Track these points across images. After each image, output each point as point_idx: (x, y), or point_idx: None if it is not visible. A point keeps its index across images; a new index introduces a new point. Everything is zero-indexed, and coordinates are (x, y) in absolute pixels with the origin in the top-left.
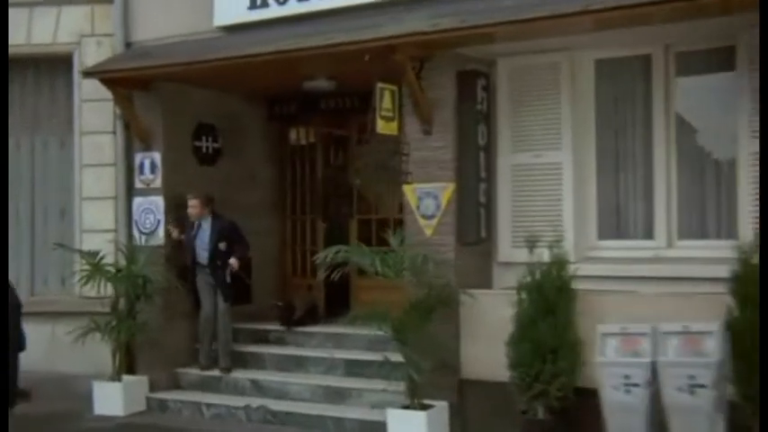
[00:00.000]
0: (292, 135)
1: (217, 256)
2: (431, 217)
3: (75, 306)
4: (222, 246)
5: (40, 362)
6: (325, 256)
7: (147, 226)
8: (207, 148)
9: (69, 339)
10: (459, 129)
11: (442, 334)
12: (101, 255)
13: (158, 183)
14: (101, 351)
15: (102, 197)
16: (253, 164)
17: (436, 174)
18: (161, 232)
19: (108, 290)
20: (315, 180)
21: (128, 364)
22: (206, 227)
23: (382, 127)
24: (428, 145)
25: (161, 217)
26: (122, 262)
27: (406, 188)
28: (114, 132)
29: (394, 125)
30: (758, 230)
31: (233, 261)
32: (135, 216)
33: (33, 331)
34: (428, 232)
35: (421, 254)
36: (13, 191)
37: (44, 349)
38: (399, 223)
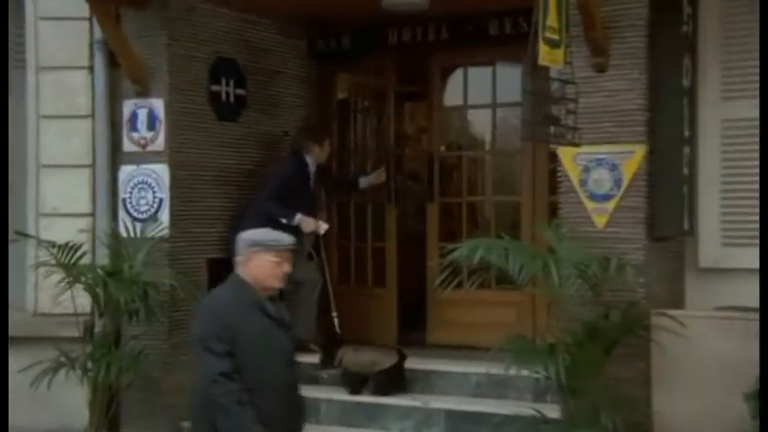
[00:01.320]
0: (342, 82)
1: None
2: (605, 198)
3: (31, 328)
4: None
5: None
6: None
7: (143, 208)
8: (228, 95)
9: (24, 380)
10: (652, 62)
11: (625, 378)
12: (80, 249)
13: (159, 144)
14: (71, 396)
15: (72, 165)
16: (287, 121)
17: (614, 132)
18: (164, 217)
19: (81, 304)
20: (381, 145)
21: (112, 416)
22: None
23: (545, 55)
24: (601, 87)
25: (164, 195)
26: (102, 261)
27: (563, 154)
28: (90, 68)
29: (560, 53)
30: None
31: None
32: (122, 193)
33: None
34: (599, 221)
35: (599, 256)
36: None
37: None
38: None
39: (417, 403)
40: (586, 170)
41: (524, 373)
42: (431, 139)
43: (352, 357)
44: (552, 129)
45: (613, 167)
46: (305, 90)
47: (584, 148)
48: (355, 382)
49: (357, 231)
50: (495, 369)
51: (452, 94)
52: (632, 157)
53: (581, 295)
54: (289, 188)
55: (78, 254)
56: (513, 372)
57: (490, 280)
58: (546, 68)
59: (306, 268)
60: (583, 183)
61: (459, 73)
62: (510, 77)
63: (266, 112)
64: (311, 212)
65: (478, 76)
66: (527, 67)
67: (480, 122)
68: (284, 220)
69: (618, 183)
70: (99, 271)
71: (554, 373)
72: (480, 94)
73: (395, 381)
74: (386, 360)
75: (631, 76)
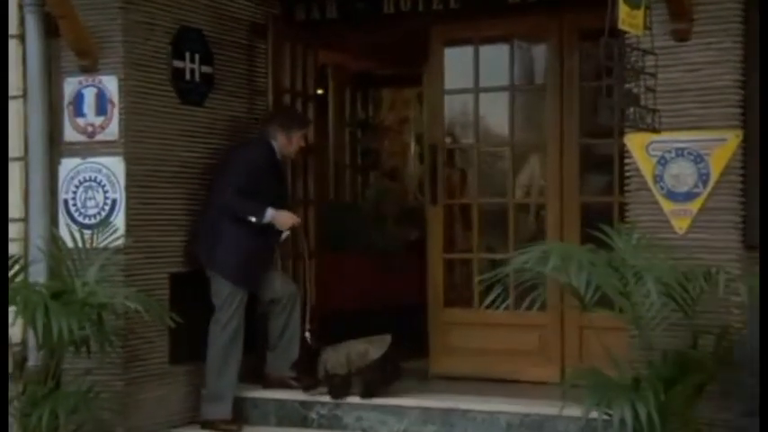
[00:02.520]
0: (325, 59)
1: None
2: (687, 197)
3: None
4: None
5: None
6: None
7: (91, 212)
8: (193, 72)
9: None
10: (748, 27)
11: (721, 422)
12: (17, 262)
13: (112, 132)
14: None
15: None
16: (260, 106)
17: (699, 115)
18: (118, 222)
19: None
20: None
21: None
22: None
23: (625, 17)
24: (682, 59)
25: (117, 195)
26: (38, 276)
27: (633, 143)
28: (21, 37)
29: (640, 16)
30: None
31: None
32: (64, 193)
33: None
34: (680, 226)
35: (686, 269)
36: None
37: None
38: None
39: None
40: (662, 162)
41: (567, 413)
42: (434, 129)
43: (336, 357)
44: (631, 110)
45: (698, 159)
46: (282, 69)
47: (659, 136)
48: (338, 386)
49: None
50: (533, 408)
51: (459, 75)
52: (723, 147)
53: (664, 318)
54: (257, 180)
55: (16, 268)
56: (553, 412)
57: (507, 297)
58: (620, 35)
59: (282, 280)
60: (658, 178)
61: (467, 50)
62: (531, 56)
63: (234, 95)
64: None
65: (492, 54)
66: (605, 36)
67: (495, 109)
68: (253, 219)
69: (704, 178)
70: (41, 290)
71: (644, 416)
72: (494, 76)
73: (388, 376)
74: (376, 350)
75: (721, 46)
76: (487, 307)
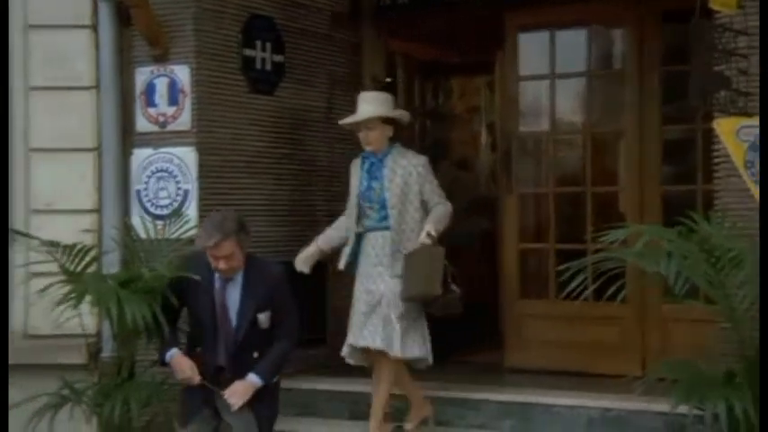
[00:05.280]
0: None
1: (246, 344)
2: None
3: (22, 354)
4: (264, 319)
5: None
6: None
7: (163, 202)
8: (263, 61)
9: (15, 418)
10: None
11: None
12: (90, 251)
13: (184, 122)
14: None
15: (71, 149)
16: (329, 93)
17: None
18: (190, 213)
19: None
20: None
21: None
22: (236, 280)
23: None
24: None
25: (190, 186)
26: (111, 267)
27: (722, 128)
28: (94, 27)
29: None
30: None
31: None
32: (137, 184)
33: None
34: None
35: None
36: None
37: None
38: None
39: None
40: (754, 148)
41: (654, 408)
42: (506, 117)
43: None
44: (722, 93)
45: None
46: (351, 58)
47: (750, 120)
48: None
49: None
50: (615, 402)
51: (533, 61)
52: None
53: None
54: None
55: (89, 257)
56: (636, 407)
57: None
58: (711, 15)
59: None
60: (749, 164)
61: (542, 36)
62: (609, 40)
63: (304, 83)
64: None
65: (568, 39)
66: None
67: (570, 96)
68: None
69: None
70: (110, 281)
71: (740, 412)
72: (570, 62)
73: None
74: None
75: None
76: (566, 298)
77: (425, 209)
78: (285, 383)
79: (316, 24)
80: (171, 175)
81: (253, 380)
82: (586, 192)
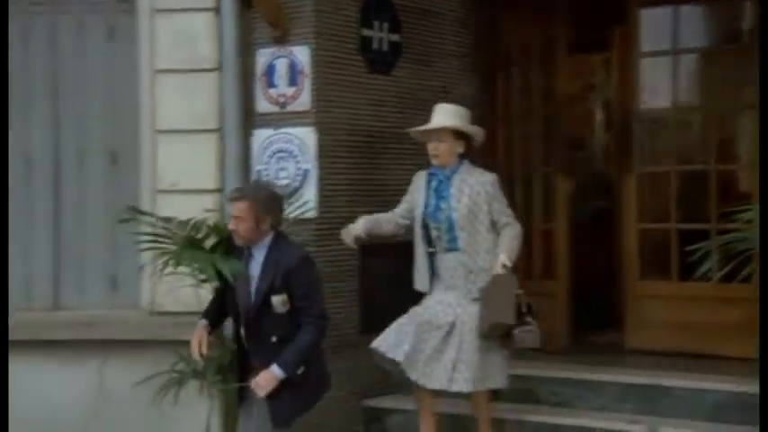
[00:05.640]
0: (509, 24)
1: (262, 326)
2: None
3: (148, 330)
4: (278, 302)
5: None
6: None
7: (283, 182)
8: (381, 41)
9: (137, 396)
10: None
11: None
12: (203, 224)
13: (303, 102)
14: (197, 414)
15: (195, 130)
16: (444, 74)
17: None
18: (309, 193)
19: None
20: (550, 104)
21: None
22: (258, 258)
23: None
24: None
25: (309, 165)
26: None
27: None
28: (217, 10)
29: None
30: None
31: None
32: (258, 164)
33: (59, 377)
34: None
35: None
36: (17, 119)
37: (83, 412)
38: None
39: (638, 428)
40: None
41: None
42: (625, 95)
43: None
44: None
45: None
46: (465, 38)
47: None
48: None
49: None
50: (743, 386)
51: (653, 37)
52: None
53: None
54: None
55: (203, 232)
56: None
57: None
58: None
59: None
60: None
61: (665, 11)
62: (735, 14)
63: (421, 63)
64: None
65: (691, 14)
66: None
67: (691, 72)
68: None
69: None
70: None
71: None
72: (693, 37)
73: None
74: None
75: None
76: (693, 279)
77: (496, 228)
78: None
79: (431, 3)
80: (291, 155)
81: (275, 371)
82: (710, 170)
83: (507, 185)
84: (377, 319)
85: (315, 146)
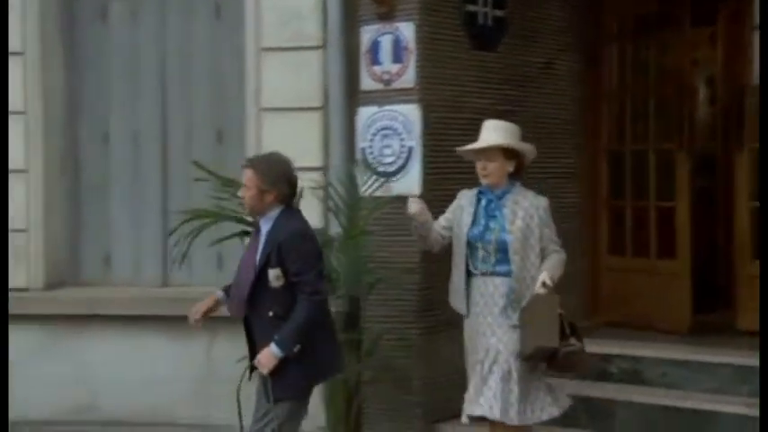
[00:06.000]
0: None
1: (260, 300)
2: None
3: None
4: (273, 276)
5: (185, 406)
6: None
7: (388, 160)
8: (485, 16)
9: (241, 369)
10: None
11: None
12: None
13: (408, 79)
14: None
15: (299, 108)
16: (548, 50)
17: None
18: (414, 170)
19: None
20: (658, 79)
21: (355, 413)
22: (263, 232)
23: None
24: None
25: (413, 143)
26: (336, 225)
27: None
28: None
29: None
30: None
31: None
32: (362, 141)
33: (168, 353)
34: None
35: None
36: (127, 98)
37: (191, 385)
38: None
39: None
40: None
41: None
42: (735, 70)
43: None
44: None
45: None
46: (571, 11)
47: None
48: None
49: (636, 187)
50: None
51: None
52: None
53: None
54: None
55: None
56: None
57: None
58: None
59: None
60: None
61: None
62: None
63: (526, 40)
64: None
65: None
66: None
67: None
68: None
69: None
70: (332, 235)
71: None
72: None
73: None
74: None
75: None
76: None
77: (542, 255)
78: None
79: None
80: (395, 133)
81: (272, 349)
82: None
83: (615, 162)
84: None
85: (420, 123)
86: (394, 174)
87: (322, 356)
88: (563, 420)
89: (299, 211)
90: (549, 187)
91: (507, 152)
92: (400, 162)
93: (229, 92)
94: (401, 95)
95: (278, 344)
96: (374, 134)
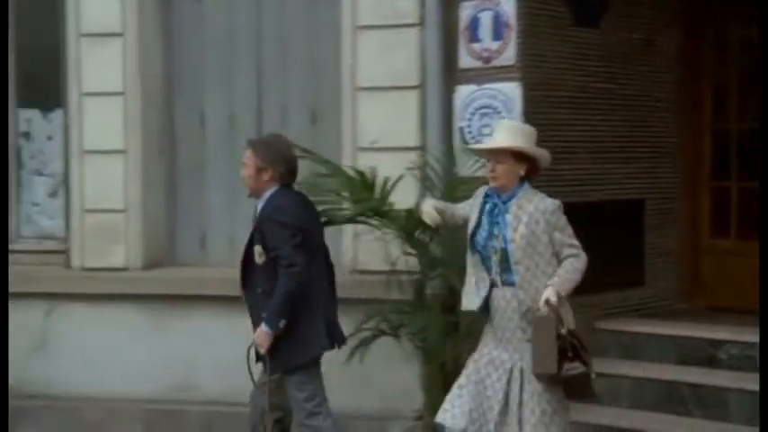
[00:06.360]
0: None
1: (249, 277)
2: None
3: (348, 289)
4: (256, 253)
5: None
6: None
7: (486, 139)
8: None
9: (334, 354)
10: None
11: None
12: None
13: (508, 57)
14: (399, 372)
15: (395, 87)
16: (649, 26)
17: None
18: None
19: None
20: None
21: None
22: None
23: None
24: None
25: None
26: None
27: None
28: None
29: None
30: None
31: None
32: (460, 120)
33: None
34: None
35: None
36: (222, 77)
37: None
38: None
39: None
40: None
41: None
42: None
43: None
44: None
45: None
46: None
47: None
48: None
49: (741, 167)
50: None
51: None
52: None
53: None
54: None
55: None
56: None
57: None
58: None
59: None
60: None
61: None
62: None
63: (627, 14)
64: None
65: None
66: None
67: None
68: None
69: None
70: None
71: None
72: None
73: None
74: None
75: None
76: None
77: (558, 261)
78: (608, 325)
79: None
80: (495, 111)
81: (263, 328)
82: None
83: (718, 140)
84: (585, 283)
85: (520, 102)
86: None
87: (306, 335)
88: (673, 408)
89: (294, 192)
90: (648, 167)
91: (518, 154)
92: None
93: (324, 72)
94: (501, 73)
95: (266, 322)
96: (472, 113)
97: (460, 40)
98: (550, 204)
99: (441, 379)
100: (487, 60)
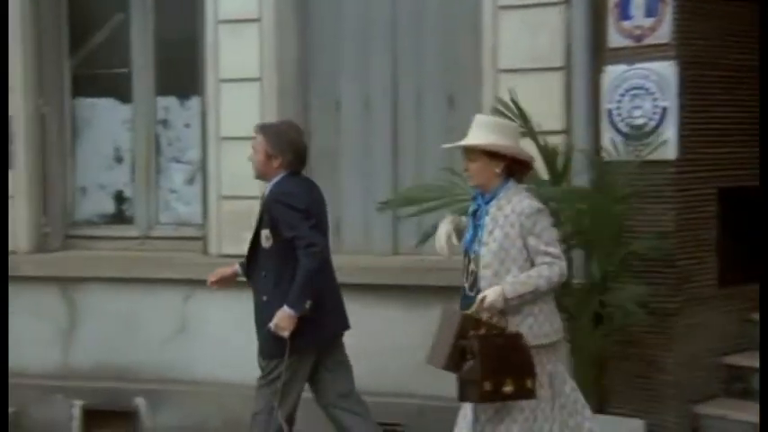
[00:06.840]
0: None
1: (256, 260)
2: None
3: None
4: (264, 237)
5: (420, 376)
6: None
7: (638, 122)
8: None
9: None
10: None
11: None
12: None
13: (663, 34)
14: None
15: (538, 68)
16: None
17: None
18: (668, 133)
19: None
20: None
21: (599, 389)
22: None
23: None
24: None
25: (668, 103)
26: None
27: None
28: None
29: None
30: None
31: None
32: (608, 102)
33: (402, 322)
34: None
35: None
36: (351, 65)
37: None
38: None
39: None
40: None
41: None
42: None
43: None
44: None
45: None
46: None
47: None
48: None
49: None
50: None
51: None
52: None
53: None
54: None
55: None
56: None
57: None
58: None
59: None
60: None
61: None
62: None
63: None
64: None
65: None
66: None
67: None
68: None
69: None
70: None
71: None
72: None
73: None
74: None
75: None
76: None
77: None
78: None
79: None
80: (647, 93)
81: (286, 311)
82: None
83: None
84: (736, 272)
85: (676, 82)
86: (645, 136)
87: (331, 310)
88: None
89: (302, 177)
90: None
91: (492, 152)
92: (652, 124)
93: (462, 54)
94: (655, 52)
95: (291, 305)
96: (622, 94)
97: (609, 17)
98: (527, 207)
99: (591, 371)
100: (639, 38)
